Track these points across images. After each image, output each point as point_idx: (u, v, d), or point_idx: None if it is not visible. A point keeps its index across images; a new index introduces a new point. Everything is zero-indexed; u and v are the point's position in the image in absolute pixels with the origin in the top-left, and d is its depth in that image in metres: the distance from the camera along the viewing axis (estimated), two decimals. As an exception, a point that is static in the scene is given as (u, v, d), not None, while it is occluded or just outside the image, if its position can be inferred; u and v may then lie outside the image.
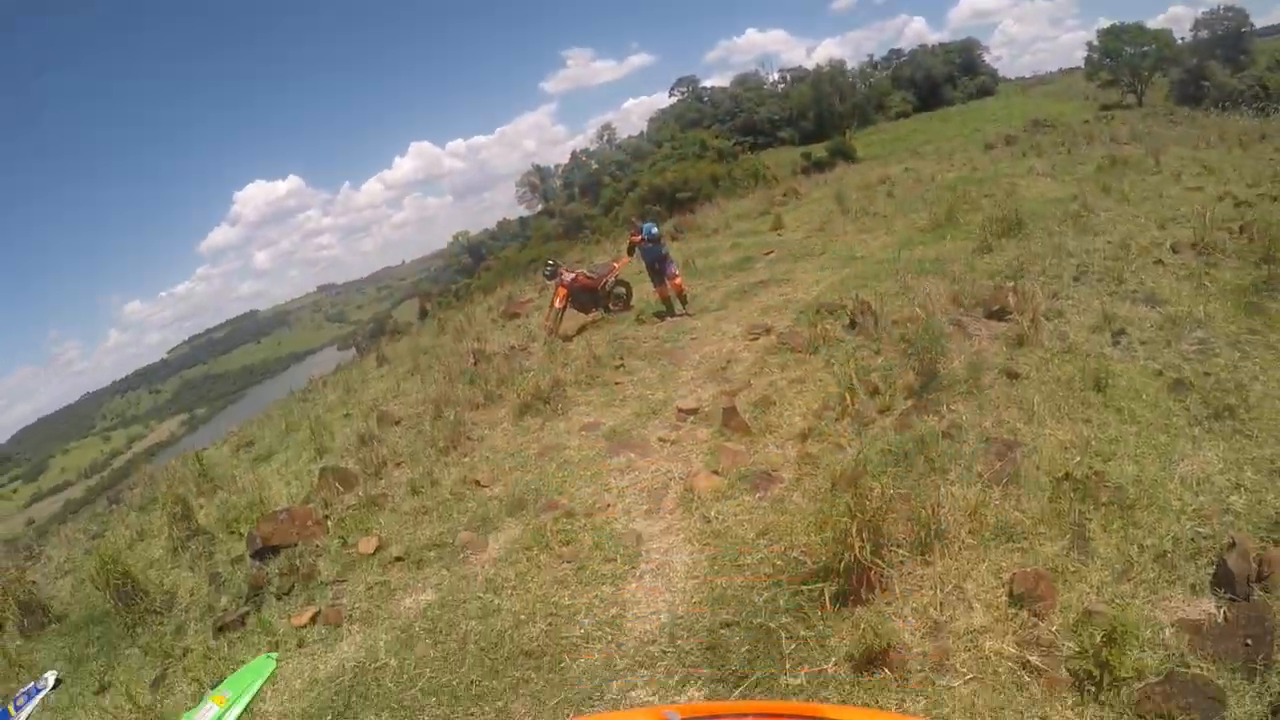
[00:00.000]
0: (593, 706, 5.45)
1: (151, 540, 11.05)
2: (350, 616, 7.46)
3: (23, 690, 5.94)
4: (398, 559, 8.22)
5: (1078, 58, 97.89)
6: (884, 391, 8.89)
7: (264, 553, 8.85)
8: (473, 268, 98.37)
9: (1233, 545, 5.19)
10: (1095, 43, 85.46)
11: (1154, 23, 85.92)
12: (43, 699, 5.80)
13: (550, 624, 6.48)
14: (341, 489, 10.13)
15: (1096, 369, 8.07)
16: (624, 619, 6.36)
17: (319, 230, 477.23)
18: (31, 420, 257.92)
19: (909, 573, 5.82)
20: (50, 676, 5.97)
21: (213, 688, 4.71)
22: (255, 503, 10.53)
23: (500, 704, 5.73)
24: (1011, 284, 10.71)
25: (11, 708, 5.60)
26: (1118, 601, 5.08)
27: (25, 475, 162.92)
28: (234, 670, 5.89)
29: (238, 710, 4.43)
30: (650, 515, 7.91)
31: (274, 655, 4.83)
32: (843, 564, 5.69)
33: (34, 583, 10.39)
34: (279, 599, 8.10)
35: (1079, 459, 6.71)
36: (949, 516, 6.11)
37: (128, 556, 9.59)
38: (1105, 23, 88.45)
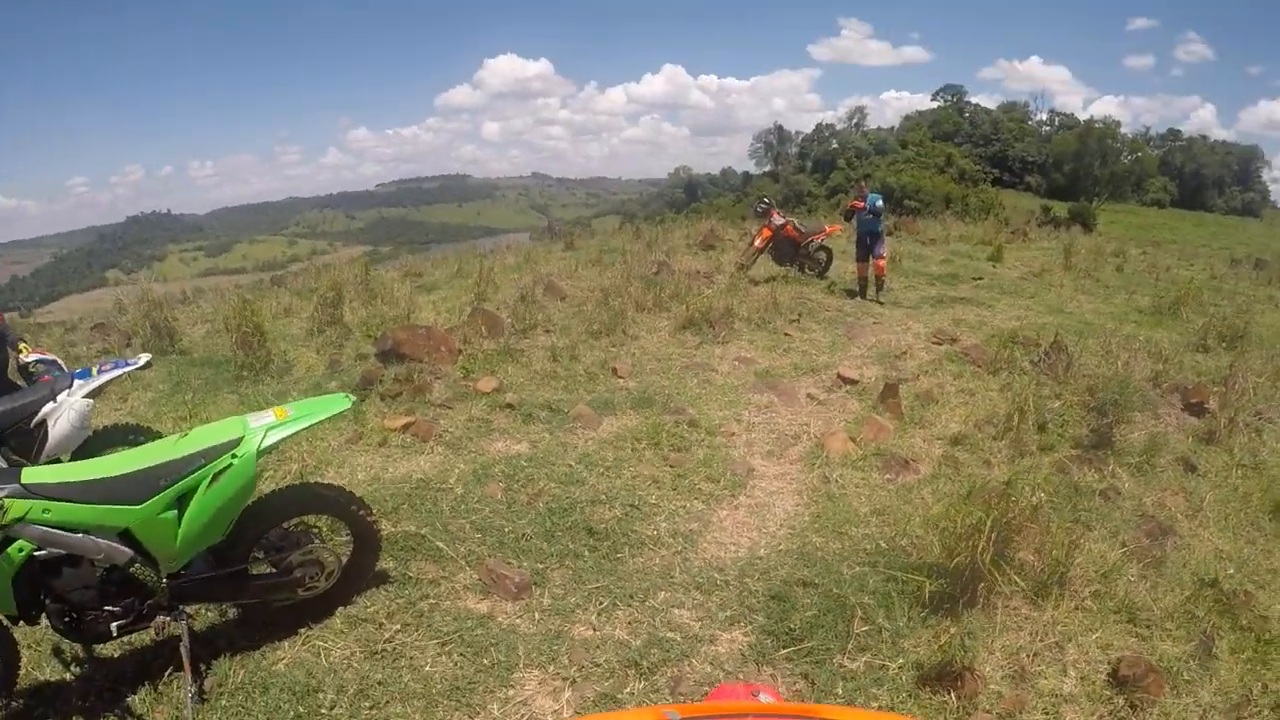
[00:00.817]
0: (631, 606, 5.09)
1: (295, 319, 11.36)
2: (440, 437, 7.33)
3: (113, 361, 5.84)
4: (509, 405, 8.09)
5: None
6: (1052, 431, 8.29)
7: (389, 355, 8.94)
8: (684, 205, 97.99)
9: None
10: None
11: None
12: (127, 372, 5.70)
13: (626, 514, 6.14)
14: (486, 332, 10.09)
15: (1279, 495, 7.31)
16: (702, 539, 5.99)
17: (552, 120, 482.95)
18: (234, 204, 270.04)
19: (1014, 609, 5.21)
20: (144, 358, 5.88)
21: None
22: (402, 316, 10.69)
23: (541, 566, 5.41)
24: (1219, 386, 9.87)
25: (95, 369, 5.52)
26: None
27: (209, 249, 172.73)
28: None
29: (295, 428, 4.16)
30: (771, 457, 7.58)
31: (352, 396, 4.51)
32: (955, 563, 5.16)
33: (173, 315, 10.71)
34: (383, 399, 8.11)
35: (1232, 573, 6.01)
36: (1079, 569, 5.50)
37: (267, 321, 9.78)
38: None
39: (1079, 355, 10.46)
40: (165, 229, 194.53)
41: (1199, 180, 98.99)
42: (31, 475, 3.68)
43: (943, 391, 9.44)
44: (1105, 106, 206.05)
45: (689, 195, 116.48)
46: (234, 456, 3.93)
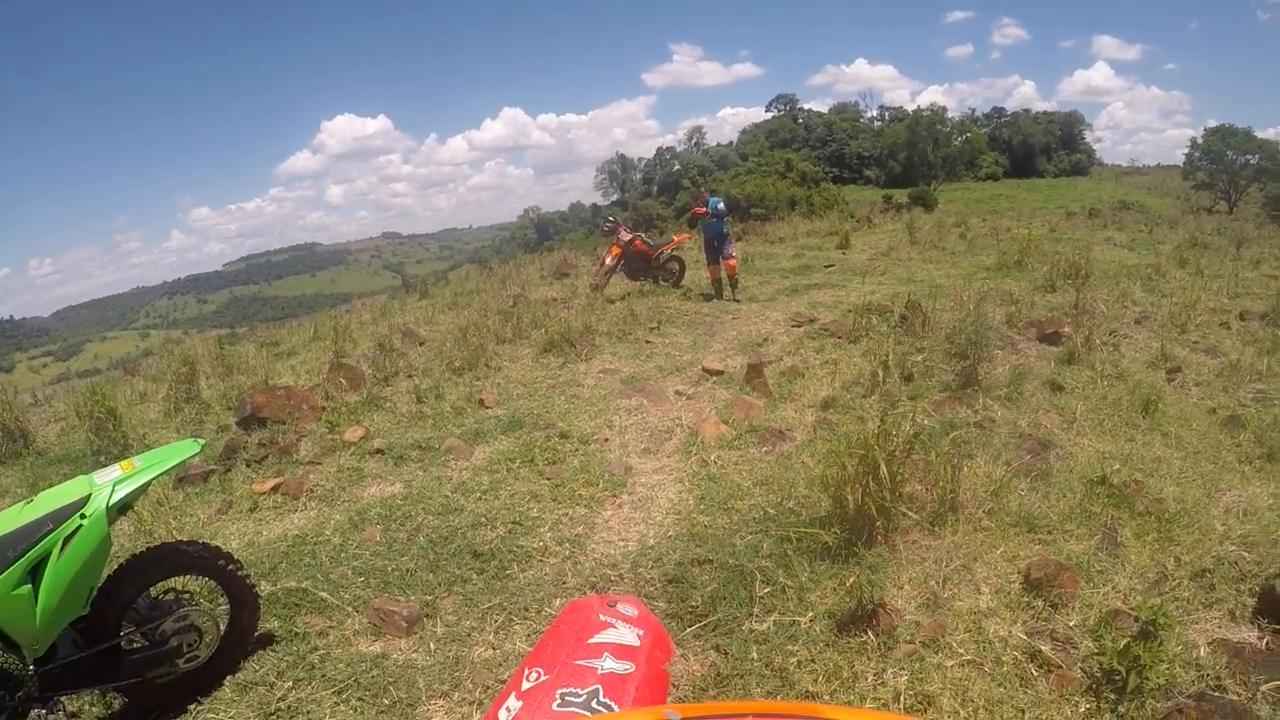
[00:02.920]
0: (528, 619, 4.96)
1: (152, 402, 11.01)
2: (311, 493, 7.13)
3: None
4: (378, 451, 7.92)
5: (1178, 156, 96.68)
6: (919, 380, 8.52)
7: (250, 421, 8.77)
8: (537, 244, 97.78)
9: (1282, 572, 4.53)
10: (1199, 140, 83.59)
11: (1264, 134, 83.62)
12: None
13: (510, 531, 6.01)
14: (348, 385, 9.99)
15: (1147, 394, 7.75)
16: (589, 540, 5.91)
17: (397, 177, 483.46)
18: (79, 301, 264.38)
19: (914, 542, 5.23)
20: None
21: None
22: (260, 384, 10.40)
23: (430, 597, 5.22)
24: (1071, 315, 10.36)
25: None
26: (1150, 607, 4.40)
27: (58, 353, 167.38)
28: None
29: (145, 478, 3.92)
30: (647, 454, 7.57)
31: (201, 441, 4.29)
32: (846, 510, 5.18)
33: (25, 418, 10.27)
34: (249, 465, 7.89)
35: (1118, 468, 6.19)
36: (968, 492, 5.59)
37: (122, 410, 9.47)
38: (1214, 124, 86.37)
39: (933, 312, 10.75)
40: (8, 337, 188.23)
41: (1028, 150, 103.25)
42: None
43: (807, 365, 9.61)
44: (932, 96, 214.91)
45: (540, 235, 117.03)
46: (83, 516, 3.68)
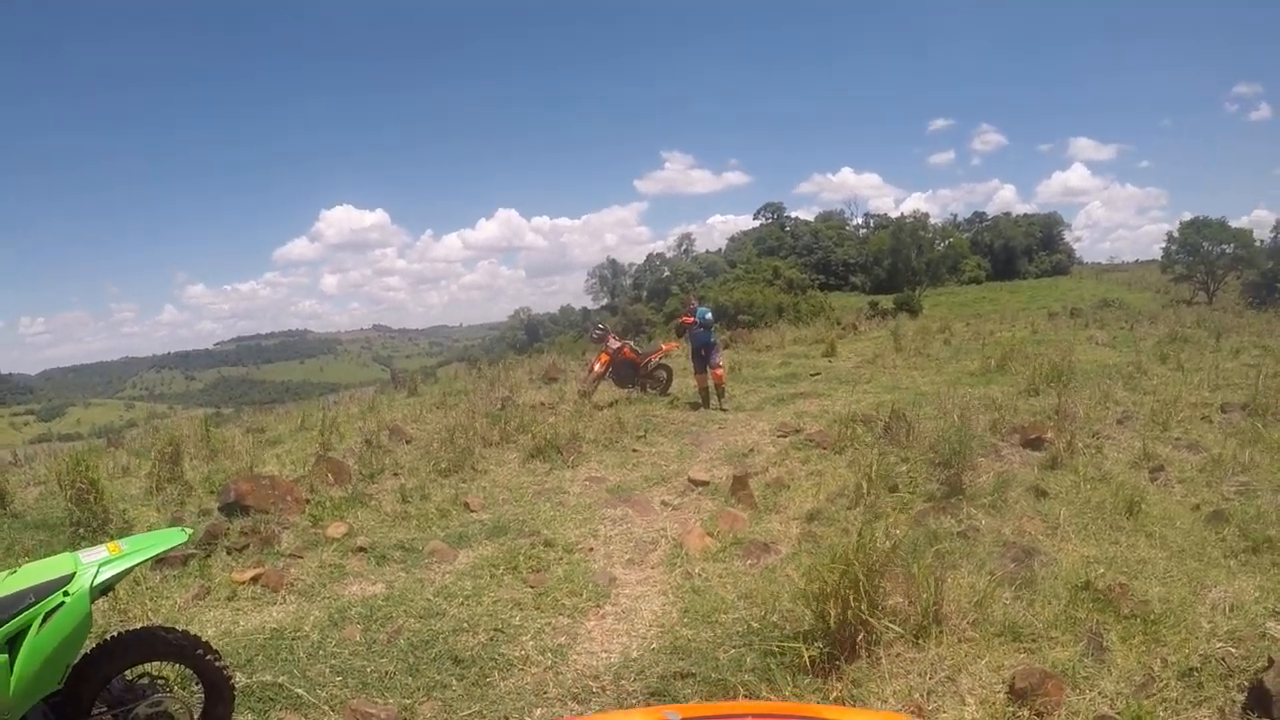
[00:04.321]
0: None
1: (134, 478, 10.91)
2: (291, 586, 7.10)
3: None
4: (361, 549, 7.90)
5: (1156, 250, 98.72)
6: (903, 491, 8.54)
7: (233, 508, 8.72)
8: (526, 345, 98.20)
9: (1271, 664, 4.50)
10: (1175, 234, 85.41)
11: (1237, 223, 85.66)
12: None
13: (491, 638, 5.97)
14: (333, 479, 9.94)
15: (1130, 495, 7.78)
16: (571, 651, 5.87)
17: (391, 270, 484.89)
18: (66, 364, 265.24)
19: (897, 655, 5.20)
20: None
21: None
22: (245, 470, 10.35)
23: (408, 701, 5.17)
24: (1053, 419, 10.47)
25: None
26: (1137, 710, 4.40)
27: (41, 413, 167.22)
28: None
29: (131, 562, 3.94)
30: (632, 565, 7.58)
31: (189, 530, 4.32)
32: (828, 625, 5.16)
33: (3, 477, 10.34)
34: (229, 553, 7.81)
35: (1103, 572, 6.17)
36: (952, 603, 5.57)
37: (104, 482, 9.28)
38: (1189, 217, 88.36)
39: (918, 421, 10.85)
40: None
41: (1009, 252, 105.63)
42: None
43: (793, 477, 9.62)
44: (915, 203, 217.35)
45: (530, 336, 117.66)
46: (66, 594, 3.69)
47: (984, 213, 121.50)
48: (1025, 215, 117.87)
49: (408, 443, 12.62)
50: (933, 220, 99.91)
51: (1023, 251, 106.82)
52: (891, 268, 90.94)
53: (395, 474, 10.55)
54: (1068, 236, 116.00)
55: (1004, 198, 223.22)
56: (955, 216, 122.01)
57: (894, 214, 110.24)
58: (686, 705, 2.53)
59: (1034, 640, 5.30)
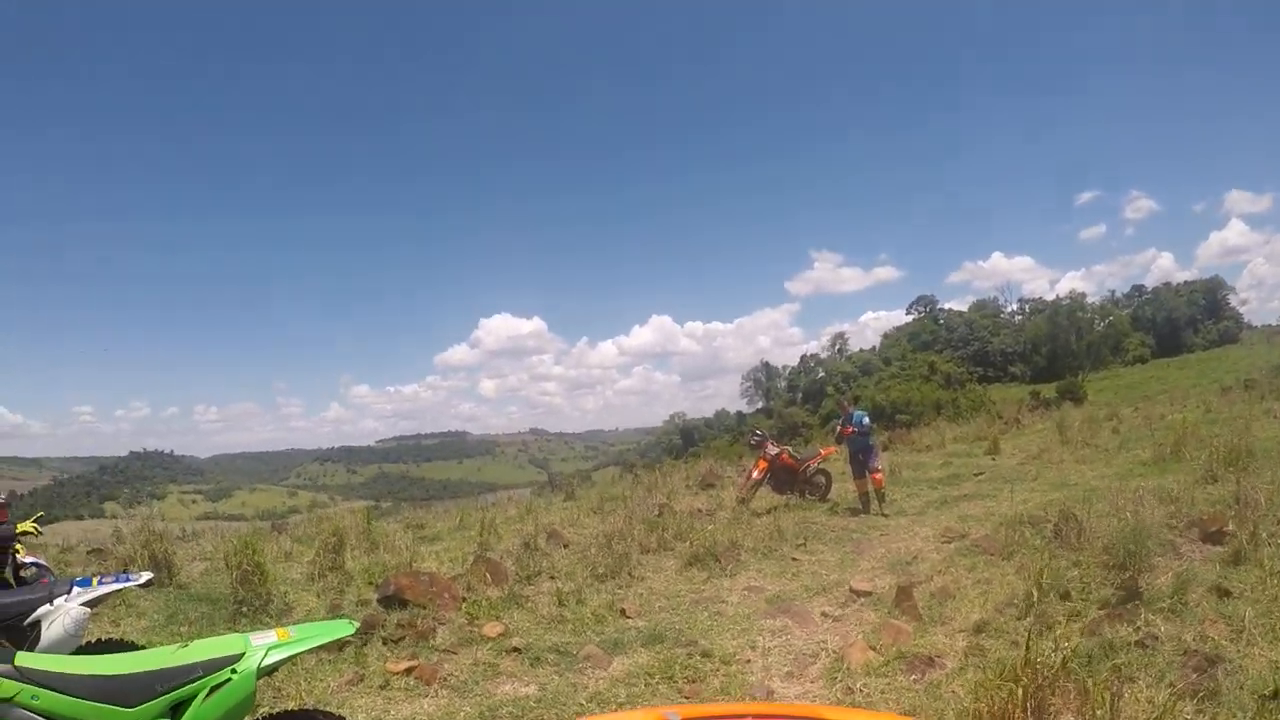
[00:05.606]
0: None
1: (296, 563, 11.41)
2: (444, 681, 7.24)
3: (114, 574, 5.92)
4: (515, 649, 8.00)
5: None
6: (1076, 598, 8.17)
7: (391, 601, 8.99)
8: (681, 450, 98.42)
9: None
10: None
11: None
12: (128, 588, 5.81)
13: (643, 753, 5.90)
14: (490, 579, 10.15)
15: None
16: (730, 768, 5.72)
17: (547, 376, 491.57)
18: (235, 450, 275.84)
19: (1071, 776, 4.99)
20: (145, 575, 6.01)
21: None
22: (404, 564, 10.70)
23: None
24: (1234, 509, 9.95)
25: (95, 580, 5.59)
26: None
27: (209, 494, 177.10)
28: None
29: (298, 648, 4.10)
30: (791, 678, 7.38)
31: (355, 623, 4.49)
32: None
33: (171, 549, 10.90)
34: (385, 644, 8.05)
35: (1293, 680, 5.81)
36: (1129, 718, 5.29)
37: (269, 566, 9.75)
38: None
39: (1089, 520, 10.38)
40: (166, 468, 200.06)
41: (1173, 325, 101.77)
42: (26, 660, 3.59)
43: (958, 586, 9.33)
44: (1070, 282, 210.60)
45: (685, 441, 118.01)
46: (234, 671, 3.86)
47: (1142, 285, 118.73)
48: (1186, 283, 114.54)
49: (565, 546, 12.81)
50: (1090, 299, 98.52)
51: (1187, 322, 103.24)
52: (1051, 354, 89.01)
53: (552, 577, 10.68)
54: (1233, 300, 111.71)
55: (1162, 266, 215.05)
56: (1113, 292, 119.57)
57: (1049, 296, 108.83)
58: (686, 705, 2.49)
59: (1219, 758, 5.01)
